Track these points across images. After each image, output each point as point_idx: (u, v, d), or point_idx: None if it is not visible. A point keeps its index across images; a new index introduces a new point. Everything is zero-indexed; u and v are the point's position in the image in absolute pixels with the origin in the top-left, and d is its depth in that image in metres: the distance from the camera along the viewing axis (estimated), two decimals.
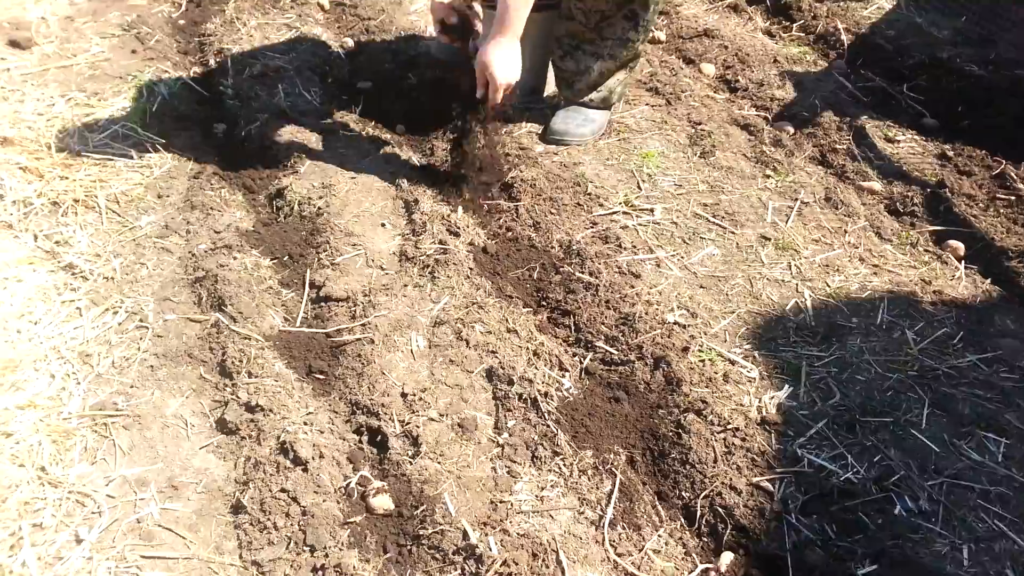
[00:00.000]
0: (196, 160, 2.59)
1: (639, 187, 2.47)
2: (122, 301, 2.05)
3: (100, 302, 2.05)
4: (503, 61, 2.14)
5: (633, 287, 2.08)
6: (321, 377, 1.89)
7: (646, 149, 2.62)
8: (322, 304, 2.06)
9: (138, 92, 2.87)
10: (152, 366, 1.89)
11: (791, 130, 2.75)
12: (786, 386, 1.85)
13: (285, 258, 2.24)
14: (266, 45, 3.14)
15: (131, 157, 2.56)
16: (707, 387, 1.82)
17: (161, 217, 2.35)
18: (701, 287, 2.14)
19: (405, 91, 2.93)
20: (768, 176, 2.54)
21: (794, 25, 3.44)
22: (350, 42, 3.23)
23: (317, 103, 2.88)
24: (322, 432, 1.72)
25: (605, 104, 2.67)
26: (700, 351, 1.93)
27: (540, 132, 2.70)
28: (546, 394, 1.80)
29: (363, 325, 1.97)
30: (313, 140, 2.69)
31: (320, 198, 2.39)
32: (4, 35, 3.14)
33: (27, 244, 2.21)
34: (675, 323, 1.99)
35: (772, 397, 1.82)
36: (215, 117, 2.84)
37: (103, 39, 3.18)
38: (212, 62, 3.06)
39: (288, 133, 2.68)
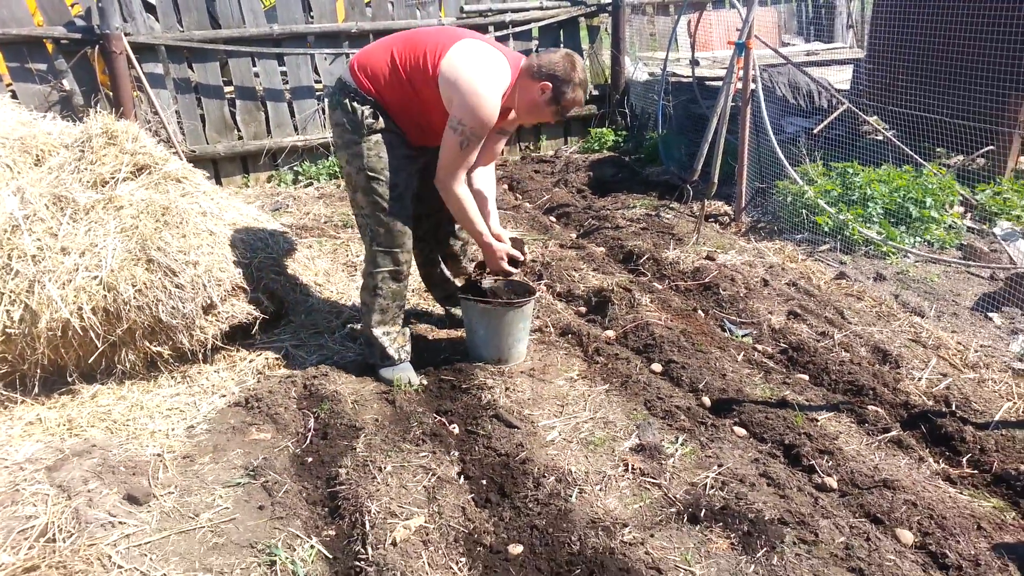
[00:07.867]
0: None
1: None
2: None
3: None
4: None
5: None
6: None
7: None
8: None
9: (268, 571, 2.52)
10: None
11: None
12: None
13: None
14: (403, 495, 2.86)
15: None
16: None
17: None
18: None
19: (566, 564, 2.57)
20: None
21: (963, 460, 3.18)
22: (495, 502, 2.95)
23: None
24: None
25: None
26: None
27: None
28: None
29: None
30: None
31: None
32: (120, 482, 2.90)
33: None
34: None
35: None
36: None
37: (226, 488, 2.92)
38: (346, 523, 2.76)
39: None
